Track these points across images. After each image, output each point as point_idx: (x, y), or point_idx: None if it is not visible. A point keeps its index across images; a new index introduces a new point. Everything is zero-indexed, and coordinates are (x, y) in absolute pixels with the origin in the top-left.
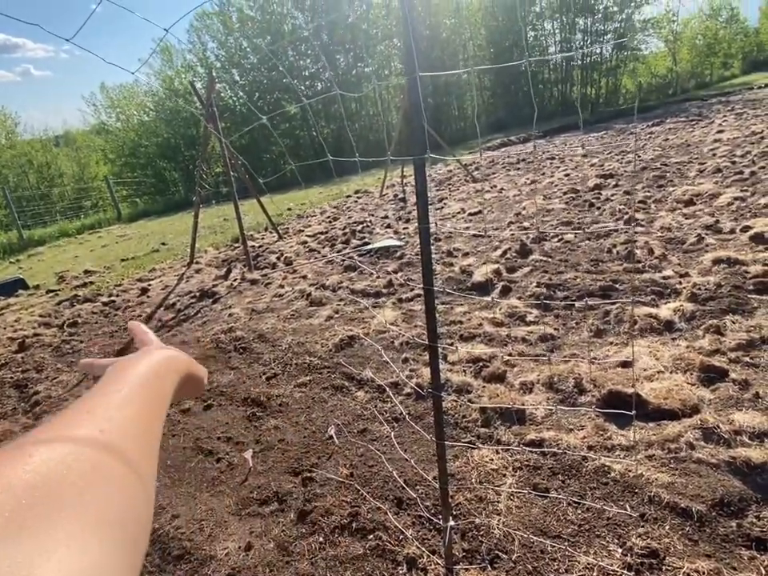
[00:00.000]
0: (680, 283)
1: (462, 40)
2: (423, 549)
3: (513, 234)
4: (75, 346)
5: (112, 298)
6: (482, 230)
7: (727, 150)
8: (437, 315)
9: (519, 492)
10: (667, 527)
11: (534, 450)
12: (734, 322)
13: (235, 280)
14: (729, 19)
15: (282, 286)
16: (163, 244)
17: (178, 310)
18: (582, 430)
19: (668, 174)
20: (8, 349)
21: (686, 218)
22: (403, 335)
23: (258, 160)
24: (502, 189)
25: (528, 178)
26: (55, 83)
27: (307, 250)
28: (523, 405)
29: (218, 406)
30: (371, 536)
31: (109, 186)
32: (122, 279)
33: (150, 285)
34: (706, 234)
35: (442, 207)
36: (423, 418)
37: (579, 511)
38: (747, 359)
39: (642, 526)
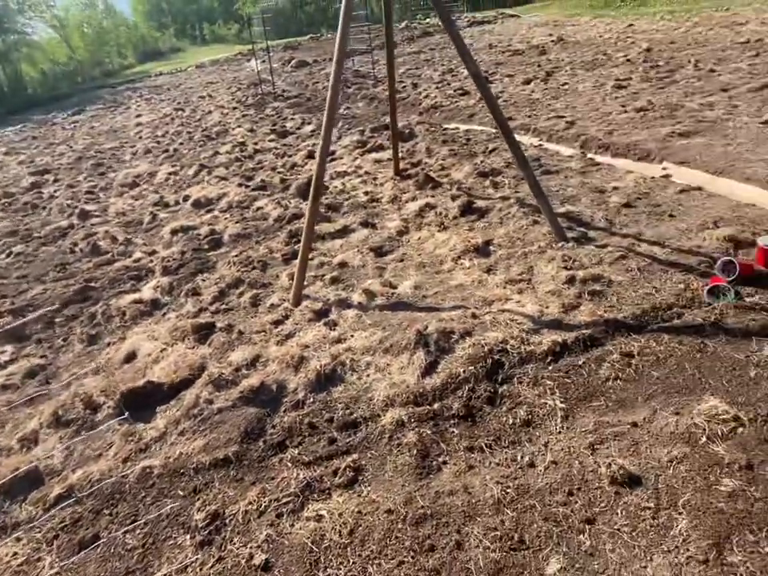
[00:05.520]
0: (151, 261)
1: None
2: None
3: None
4: None
5: None
6: None
7: (150, 131)
8: None
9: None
10: (217, 485)
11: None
12: (204, 280)
13: None
14: (106, 10)
15: None
16: None
17: None
18: (110, 448)
19: (106, 161)
20: None
21: (136, 200)
22: None
23: None
24: None
25: None
26: None
27: None
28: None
29: None
30: None
31: None
32: None
33: None
34: (158, 211)
35: None
36: None
37: (139, 532)
38: (224, 306)
39: (199, 499)
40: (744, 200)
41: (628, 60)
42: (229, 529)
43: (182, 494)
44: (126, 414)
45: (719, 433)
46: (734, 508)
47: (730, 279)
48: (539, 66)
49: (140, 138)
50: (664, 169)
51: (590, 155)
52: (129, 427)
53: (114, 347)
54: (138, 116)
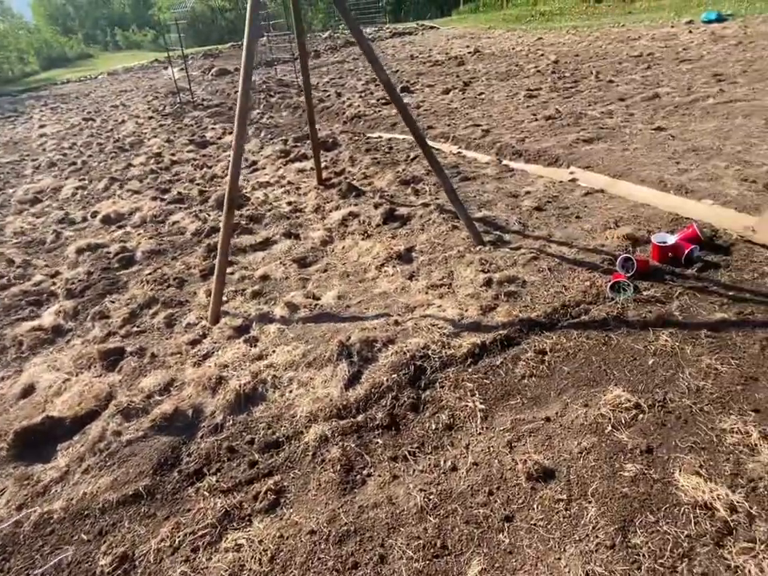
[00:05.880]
0: (54, 284)
1: None
2: None
3: None
4: None
5: None
6: None
7: (55, 143)
8: None
9: None
10: (126, 524)
11: None
12: (113, 302)
13: None
14: (3, 13)
15: None
16: None
17: None
18: (2, 495)
19: (3, 176)
20: None
21: (38, 218)
22: None
23: None
24: None
25: None
26: None
27: None
28: None
29: None
30: None
31: None
32: None
33: None
34: (62, 229)
35: None
36: None
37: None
38: (136, 329)
39: (105, 542)
40: (640, 200)
41: (538, 71)
42: (139, 571)
43: (85, 538)
44: None
45: (622, 420)
46: (636, 491)
47: (629, 275)
48: (458, 76)
49: (44, 150)
50: (571, 173)
51: (504, 161)
52: (24, 470)
53: (9, 381)
54: (42, 126)
